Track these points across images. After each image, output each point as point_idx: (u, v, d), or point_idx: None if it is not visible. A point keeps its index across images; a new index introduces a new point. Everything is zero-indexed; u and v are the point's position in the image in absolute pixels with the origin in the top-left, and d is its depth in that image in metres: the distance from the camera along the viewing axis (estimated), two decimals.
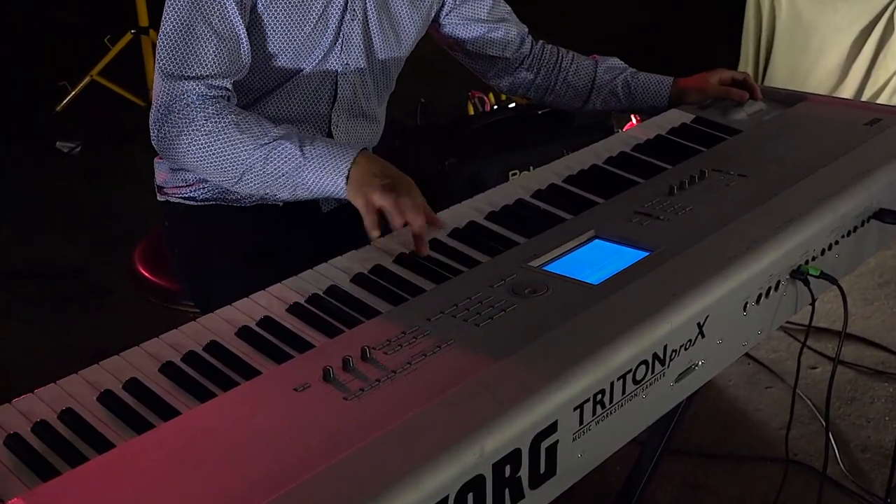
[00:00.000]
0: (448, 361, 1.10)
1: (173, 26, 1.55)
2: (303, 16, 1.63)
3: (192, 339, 1.22)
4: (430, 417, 1.01)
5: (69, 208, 3.70)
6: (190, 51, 1.54)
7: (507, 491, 1.03)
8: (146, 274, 1.91)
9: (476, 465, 0.98)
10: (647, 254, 1.33)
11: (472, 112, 3.28)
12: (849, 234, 1.48)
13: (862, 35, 3.56)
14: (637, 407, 1.17)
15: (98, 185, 3.91)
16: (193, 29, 1.54)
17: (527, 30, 1.96)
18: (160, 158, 1.77)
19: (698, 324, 1.23)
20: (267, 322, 1.26)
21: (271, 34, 1.62)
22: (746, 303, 1.31)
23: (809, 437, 2.35)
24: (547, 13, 4.22)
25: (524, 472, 1.04)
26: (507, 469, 1.02)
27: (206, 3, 1.54)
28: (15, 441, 1.06)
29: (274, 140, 1.50)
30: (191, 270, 1.74)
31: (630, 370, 1.14)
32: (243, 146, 1.50)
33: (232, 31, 1.56)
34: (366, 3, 1.69)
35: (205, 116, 1.52)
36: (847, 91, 3.64)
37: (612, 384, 1.12)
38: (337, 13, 1.66)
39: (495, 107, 3.26)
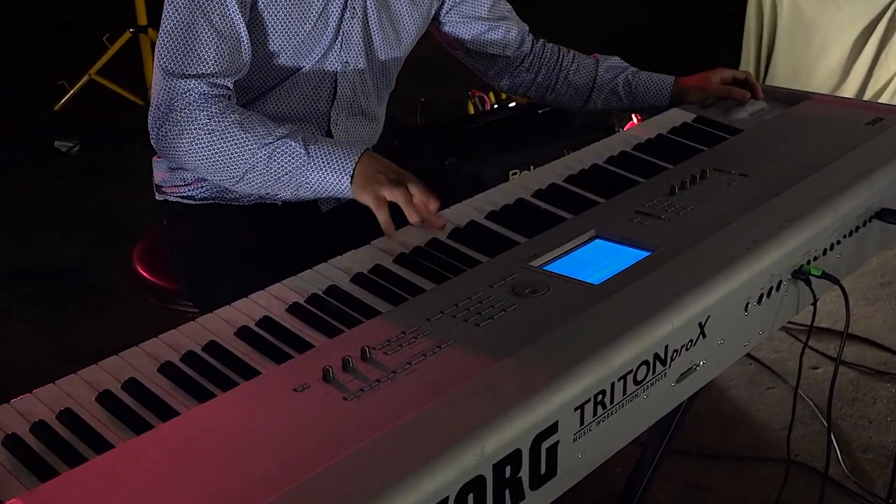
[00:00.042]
0: (448, 361, 1.10)
1: (174, 24, 1.54)
2: (303, 14, 1.63)
3: (191, 340, 1.22)
4: (430, 418, 1.01)
5: (67, 208, 3.70)
6: (191, 49, 1.54)
7: (507, 492, 1.02)
8: (145, 274, 1.90)
9: (476, 466, 0.98)
10: (648, 253, 1.33)
11: (472, 111, 3.28)
12: (851, 233, 1.48)
13: (864, 34, 3.55)
14: (638, 407, 1.17)
15: (97, 184, 3.90)
16: (194, 26, 1.54)
17: (527, 28, 1.96)
18: (158, 157, 1.77)
19: (699, 324, 1.22)
20: (266, 322, 1.25)
21: (271, 32, 1.62)
22: (748, 303, 1.30)
23: (811, 437, 2.35)
24: (547, 13, 4.21)
25: (525, 473, 1.04)
26: (508, 470, 1.01)
27: (208, 0, 1.53)
28: (13, 441, 1.06)
29: (278, 139, 1.50)
30: (189, 270, 1.73)
31: (631, 370, 1.14)
32: (247, 145, 1.50)
33: (233, 30, 1.56)
34: (366, 2, 1.69)
35: (208, 115, 1.51)
36: (849, 90, 3.63)
37: (612, 384, 1.12)
38: (337, 11, 1.66)
39: (495, 106, 3.25)
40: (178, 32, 1.54)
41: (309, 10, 1.63)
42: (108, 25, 4.52)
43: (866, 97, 3.60)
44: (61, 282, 3.17)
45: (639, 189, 1.54)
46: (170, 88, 1.54)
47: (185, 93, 1.53)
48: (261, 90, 1.69)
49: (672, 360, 1.20)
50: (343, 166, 1.48)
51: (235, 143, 1.50)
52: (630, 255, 1.33)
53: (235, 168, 1.52)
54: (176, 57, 1.54)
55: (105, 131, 4.27)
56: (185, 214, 1.74)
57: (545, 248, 1.36)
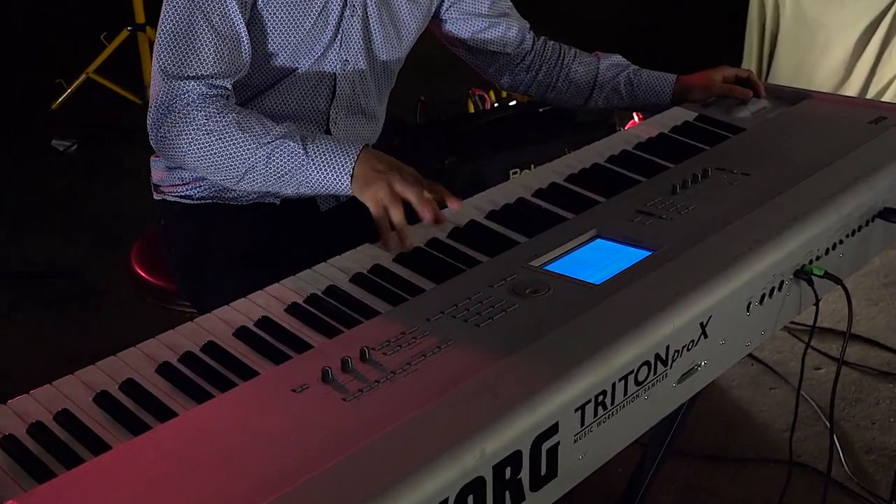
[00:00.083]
0: (448, 362, 1.09)
1: (173, 24, 1.53)
2: (303, 12, 1.62)
3: (189, 340, 1.22)
4: (430, 419, 1.00)
5: (65, 207, 3.69)
6: (190, 50, 1.53)
7: (507, 493, 1.02)
8: (142, 274, 1.90)
9: (476, 467, 0.97)
10: (649, 253, 1.32)
11: (472, 110, 3.27)
12: (853, 233, 1.47)
13: (867, 32, 3.54)
14: (639, 408, 1.17)
15: (95, 183, 3.90)
16: (193, 27, 1.53)
17: (528, 25, 1.95)
18: (156, 156, 1.76)
19: (701, 324, 1.22)
20: (265, 322, 1.25)
21: (271, 31, 1.61)
22: (750, 303, 1.30)
23: (813, 438, 2.34)
24: (547, 13, 4.20)
25: (525, 474, 1.03)
26: (508, 471, 1.01)
27: (207, 0, 1.53)
28: (10, 442, 1.06)
29: (276, 139, 1.49)
30: (187, 270, 1.73)
31: (632, 371, 1.14)
32: (245, 146, 1.49)
33: (233, 30, 1.55)
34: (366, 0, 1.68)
35: (205, 116, 1.51)
36: (852, 89, 3.62)
37: (613, 385, 1.11)
38: (337, 9, 1.65)
39: (496, 104, 3.25)
40: (177, 33, 1.53)
41: (309, 8, 1.62)
42: (106, 24, 4.52)
43: (869, 96, 3.59)
44: (58, 282, 3.16)
45: (640, 188, 1.53)
46: (168, 90, 1.53)
47: (184, 94, 1.52)
48: (259, 88, 1.68)
49: (673, 360, 1.19)
50: (342, 165, 1.47)
51: (233, 144, 1.50)
52: (631, 255, 1.33)
53: (235, 168, 1.51)
54: (175, 58, 1.53)
55: (103, 130, 4.27)
56: (184, 214, 1.74)
57: (546, 248, 1.35)
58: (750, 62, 3.90)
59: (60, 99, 4.47)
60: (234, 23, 1.55)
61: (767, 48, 3.86)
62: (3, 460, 1.04)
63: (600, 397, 1.10)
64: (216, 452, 0.98)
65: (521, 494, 1.04)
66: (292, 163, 1.48)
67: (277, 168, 1.49)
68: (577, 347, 1.11)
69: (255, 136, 1.49)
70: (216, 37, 1.54)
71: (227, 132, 1.50)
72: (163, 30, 1.54)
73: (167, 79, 1.53)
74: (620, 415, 1.13)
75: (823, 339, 2.66)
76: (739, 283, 1.26)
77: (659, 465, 1.88)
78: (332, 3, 1.64)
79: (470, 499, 0.97)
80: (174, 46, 1.53)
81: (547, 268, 1.32)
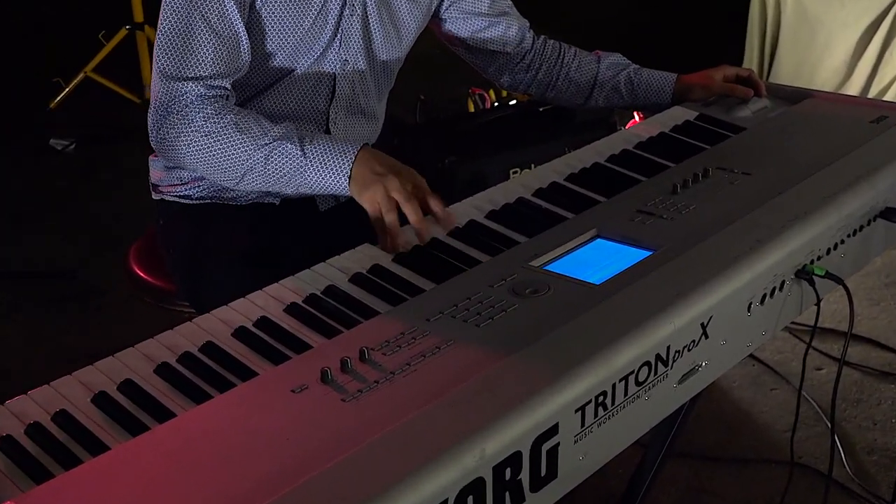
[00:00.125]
0: (448, 362, 1.09)
1: (171, 26, 1.53)
2: (302, 11, 1.61)
3: (187, 340, 1.22)
4: (430, 419, 1.00)
5: (63, 207, 3.69)
6: (189, 51, 1.53)
7: (507, 494, 1.02)
8: (141, 274, 1.89)
9: (476, 468, 0.97)
10: (649, 253, 1.32)
11: (472, 109, 3.27)
12: (855, 233, 1.47)
13: (868, 31, 3.54)
14: (640, 409, 1.16)
15: (94, 183, 3.89)
16: (192, 28, 1.53)
17: (528, 24, 1.95)
18: (155, 156, 1.76)
19: (702, 324, 1.21)
20: (264, 322, 1.25)
21: (270, 31, 1.61)
22: (751, 303, 1.29)
23: (815, 439, 2.34)
24: (547, 13, 4.19)
25: (525, 475, 1.03)
26: (508, 472, 1.01)
27: (205, 1, 1.52)
28: (8, 443, 1.06)
29: (274, 140, 1.49)
30: (186, 270, 1.72)
31: (633, 371, 1.13)
32: (243, 147, 1.49)
33: (231, 31, 1.55)
34: None
35: (203, 117, 1.50)
36: (853, 88, 3.62)
37: (614, 385, 1.11)
38: (336, 8, 1.64)
39: (496, 104, 3.24)
40: (176, 34, 1.53)
41: (308, 7, 1.62)
42: (104, 22, 4.51)
43: (870, 95, 3.59)
44: (57, 282, 3.16)
45: (640, 188, 1.53)
46: (168, 91, 1.53)
47: (182, 95, 1.52)
48: (259, 88, 1.67)
49: (674, 360, 1.19)
50: (340, 167, 1.46)
51: (232, 145, 1.49)
52: (631, 255, 1.33)
53: (234, 169, 1.51)
54: (173, 60, 1.53)
55: (101, 129, 4.27)
56: (182, 214, 1.73)
57: (546, 248, 1.35)
58: (751, 61, 3.90)
59: (59, 98, 4.47)
60: (232, 23, 1.55)
61: (768, 47, 3.86)
62: (0, 461, 1.03)
63: (601, 398, 1.09)
64: (215, 453, 0.98)
65: (521, 495, 1.03)
66: (290, 164, 1.48)
67: (276, 169, 1.49)
68: (578, 348, 1.11)
69: (252, 137, 1.49)
70: (214, 37, 1.53)
71: (224, 134, 1.50)
72: (162, 31, 1.54)
73: (166, 80, 1.53)
74: (621, 415, 1.13)
75: (825, 340, 2.65)
76: (740, 283, 1.26)
77: (659, 466, 1.88)
78: (332, 2, 1.64)
79: (470, 499, 0.97)
80: (172, 48, 1.53)
81: (547, 268, 1.31)
